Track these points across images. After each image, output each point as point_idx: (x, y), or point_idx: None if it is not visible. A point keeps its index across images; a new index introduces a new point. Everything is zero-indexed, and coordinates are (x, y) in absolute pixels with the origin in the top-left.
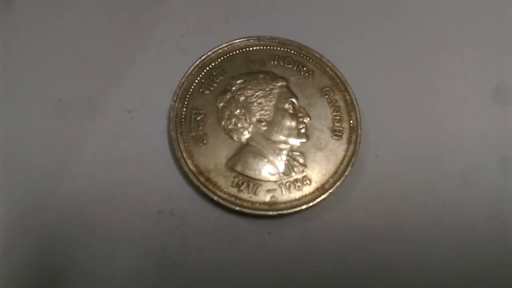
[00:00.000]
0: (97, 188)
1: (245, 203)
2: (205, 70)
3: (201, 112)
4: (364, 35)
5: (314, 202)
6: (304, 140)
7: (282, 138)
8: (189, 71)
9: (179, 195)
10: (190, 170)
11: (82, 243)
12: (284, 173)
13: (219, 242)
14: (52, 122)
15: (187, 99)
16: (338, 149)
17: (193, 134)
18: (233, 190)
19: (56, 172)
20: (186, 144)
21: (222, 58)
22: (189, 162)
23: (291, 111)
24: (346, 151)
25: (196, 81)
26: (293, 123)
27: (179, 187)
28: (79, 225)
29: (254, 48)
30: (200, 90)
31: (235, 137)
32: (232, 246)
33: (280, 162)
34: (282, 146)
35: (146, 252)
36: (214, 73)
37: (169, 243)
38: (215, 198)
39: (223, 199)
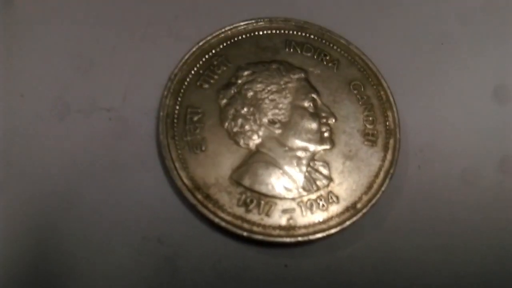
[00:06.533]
0: (66, 208)
1: (254, 227)
2: (203, 59)
3: (199, 111)
4: (400, 17)
5: (343, 226)
6: (328, 146)
7: (300, 144)
8: (183, 60)
9: (170, 217)
10: (184, 184)
11: (50, 280)
12: (304, 188)
13: (222, 277)
14: (12, 123)
15: (180, 95)
16: (371, 157)
17: (189, 138)
18: (240, 211)
19: (15, 189)
20: (179, 152)
21: (225, 44)
22: (183, 174)
23: (311, 110)
24: (382, 160)
25: (192, 72)
26: (315, 125)
27: (170, 207)
28: (46, 257)
29: (265, 32)
30: (198, 84)
31: (241, 142)
32: (239, 282)
33: (299, 174)
34: (301, 154)
35: None
36: (215, 63)
37: (156, 280)
38: (216, 220)
39: (227, 222)
